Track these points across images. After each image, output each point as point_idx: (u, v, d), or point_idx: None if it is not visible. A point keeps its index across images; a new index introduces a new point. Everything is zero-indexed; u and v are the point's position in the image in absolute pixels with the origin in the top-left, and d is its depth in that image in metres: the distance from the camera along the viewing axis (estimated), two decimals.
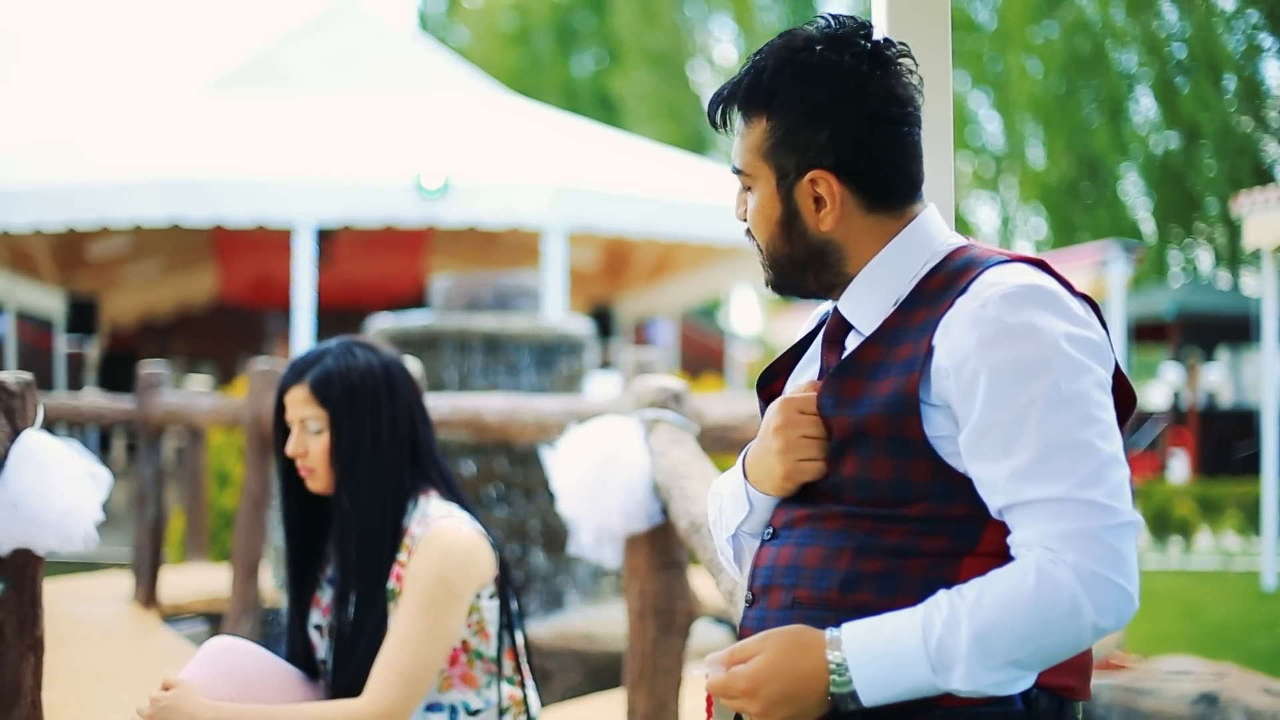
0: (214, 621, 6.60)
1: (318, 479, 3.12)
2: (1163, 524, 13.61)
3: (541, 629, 5.94)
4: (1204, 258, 29.61)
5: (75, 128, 18.62)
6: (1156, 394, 25.77)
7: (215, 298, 20.11)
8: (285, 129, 13.69)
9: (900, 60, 2.10)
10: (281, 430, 3.20)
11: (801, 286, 2.19)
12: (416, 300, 19.02)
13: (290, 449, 3.13)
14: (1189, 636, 8.94)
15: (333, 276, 14.68)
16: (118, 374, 23.91)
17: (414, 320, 5.79)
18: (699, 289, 20.12)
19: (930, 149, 2.22)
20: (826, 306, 2.26)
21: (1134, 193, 30.10)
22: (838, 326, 2.17)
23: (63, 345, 19.78)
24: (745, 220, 2.20)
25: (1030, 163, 30.44)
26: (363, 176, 12.41)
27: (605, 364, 15.31)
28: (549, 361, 5.61)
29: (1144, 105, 29.09)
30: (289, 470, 3.20)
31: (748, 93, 2.12)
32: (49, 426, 12.64)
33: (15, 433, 3.43)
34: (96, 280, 19.49)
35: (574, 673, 5.76)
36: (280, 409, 3.18)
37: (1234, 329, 21.46)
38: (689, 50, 42.46)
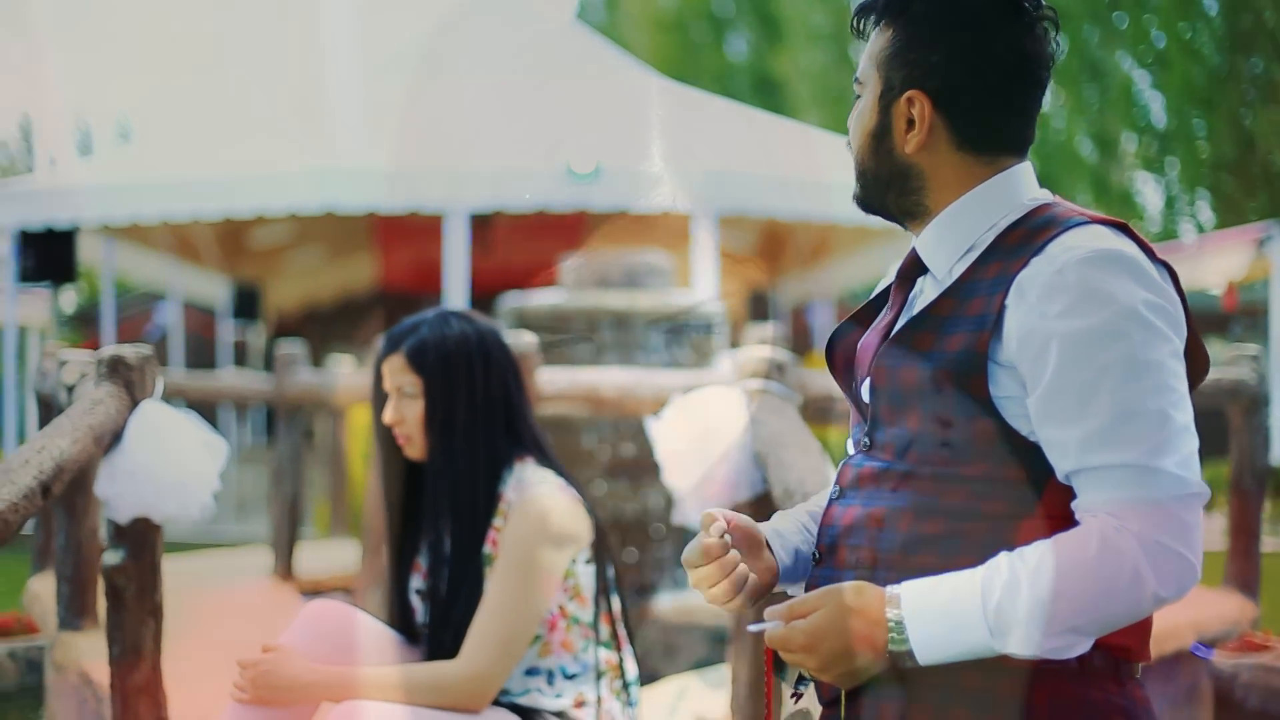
0: (351, 596, 6.73)
1: (414, 446, 3.16)
2: None
3: (668, 604, 5.96)
4: None
5: (230, 116, 19.11)
6: None
7: (377, 284, 20.39)
8: (437, 116, 13.83)
9: (1041, 19, 2.10)
10: (380, 399, 3.25)
11: (883, 205, 2.21)
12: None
13: (387, 417, 3.18)
14: None
15: (492, 262, 14.84)
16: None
17: (543, 299, 5.82)
18: (857, 272, 19.94)
19: None
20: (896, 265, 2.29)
21: None
22: (912, 265, 2.20)
23: (227, 332, 20.15)
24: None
25: (1194, 142, 29.97)
26: (514, 162, 12.53)
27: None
28: (679, 339, 5.63)
29: None
30: (387, 438, 3.25)
31: (887, 2, 2.15)
32: (210, 407, 13.07)
33: (134, 404, 3.54)
34: (260, 267, 19.91)
35: (700, 646, 5.78)
36: (379, 379, 3.23)
37: None
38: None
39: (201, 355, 21.55)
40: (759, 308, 20.61)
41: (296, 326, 23.01)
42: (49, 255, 13.69)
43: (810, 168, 13.72)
